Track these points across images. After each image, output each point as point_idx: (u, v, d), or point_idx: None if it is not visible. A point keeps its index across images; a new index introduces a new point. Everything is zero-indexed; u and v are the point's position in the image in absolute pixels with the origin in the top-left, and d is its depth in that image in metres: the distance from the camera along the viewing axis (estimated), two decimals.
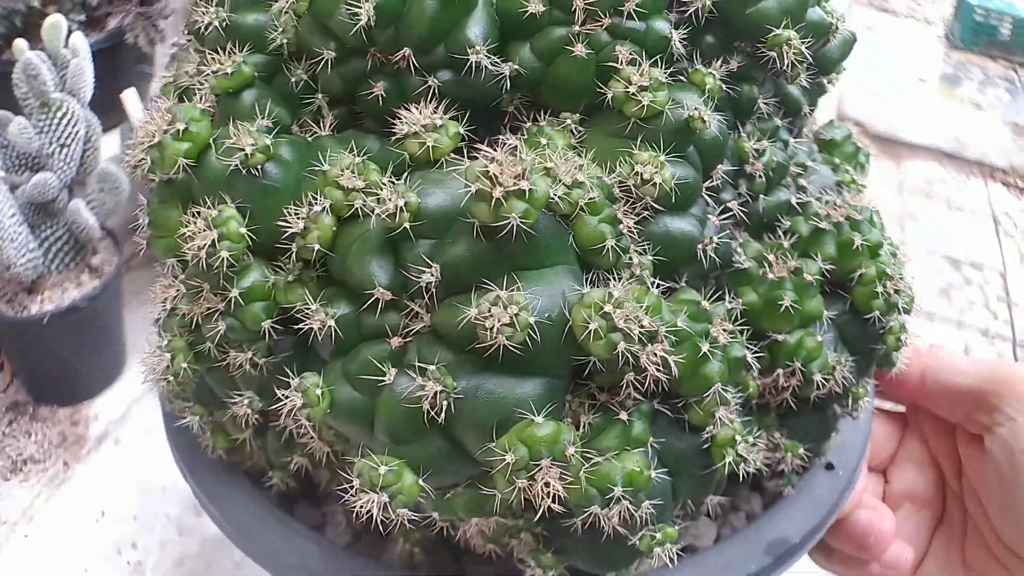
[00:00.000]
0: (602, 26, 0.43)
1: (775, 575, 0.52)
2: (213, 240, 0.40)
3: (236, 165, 0.41)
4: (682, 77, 0.46)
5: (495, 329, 0.34)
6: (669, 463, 0.43)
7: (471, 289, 0.37)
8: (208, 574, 1.12)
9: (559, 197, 0.37)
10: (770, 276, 0.47)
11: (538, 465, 0.35)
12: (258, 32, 0.46)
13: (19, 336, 1.23)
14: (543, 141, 0.42)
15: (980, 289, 1.90)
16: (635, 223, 0.41)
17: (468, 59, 0.42)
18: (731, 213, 0.47)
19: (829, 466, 0.58)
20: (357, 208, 0.39)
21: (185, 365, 0.45)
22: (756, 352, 0.45)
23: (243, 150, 0.41)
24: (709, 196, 0.46)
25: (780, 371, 0.47)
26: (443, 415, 0.36)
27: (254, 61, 0.46)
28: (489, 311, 0.34)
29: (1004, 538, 0.58)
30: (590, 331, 0.35)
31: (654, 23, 0.44)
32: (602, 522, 0.38)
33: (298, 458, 0.49)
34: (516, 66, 0.43)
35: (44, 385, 1.31)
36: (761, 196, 0.51)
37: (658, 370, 0.37)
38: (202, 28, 0.47)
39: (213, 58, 0.45)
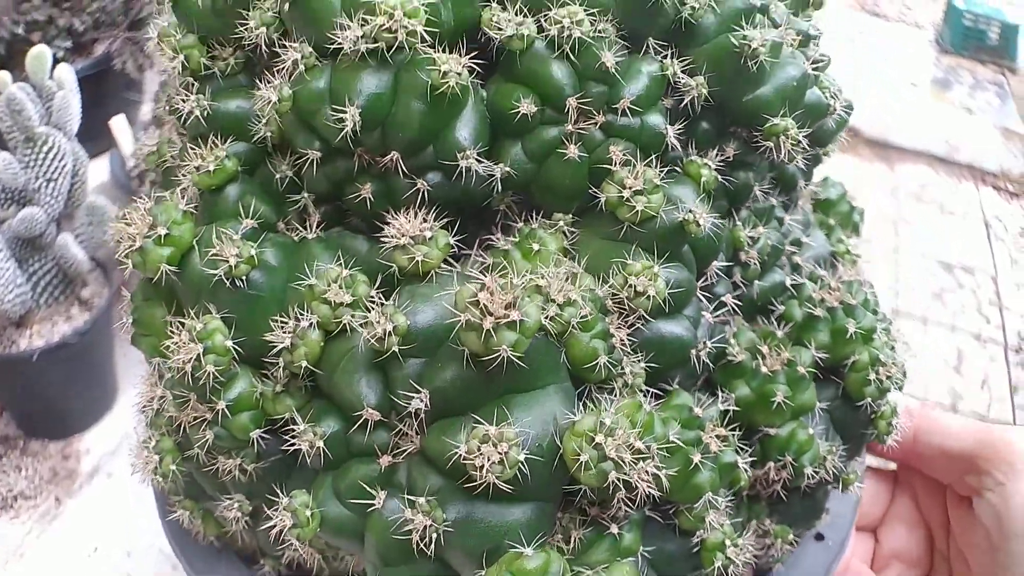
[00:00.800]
0: (595, 124, 0.42)
1: None
2: (198, 355, 0.39)
3: (220, 276, 0.40)
4: (677, 168, 0.45)
5: (485, 469, 0.33)
6: (660, 566, 0.43)
7: (461, 412, 0.37)
8: None
9: (551, 319, 0.37)
10: (763, 369, 0.47)
11: None
12: (241, 121, 0.45)
13: (8, 372, 1.22)
14: (535, 247, 0.42)
15: (972, 293, 1.91)
16: (628, 333, 0.40)
17: (458, 163, 0.41)
18: (726, 308, 0.47)
19: (819, 536, 0.58)
20: (345, 323, 0.39)
21: (173, 467, 0.45)
22: (749, 453, 0.45)
23: (227, 261, 0.40)
24: (703, 294, 0.45)
25: (771, 464, 0.47)
26: (432, 546, 0.35)
27: (236, 151, 0.45)
28: (479, 449, 0.34)
29: None
30: (581, 463, 0.35)
31: (648, 118, 0.43)
32: None
33: (290, 553, 0.48)
34: (507, 168, 0.42)
35: (34, 419, 1.29)
36: (755, 281, 0.50)
37: (648, 486, 0.37)
38: (184, 116, 0.46)
39: (195, 152, 0.44)
